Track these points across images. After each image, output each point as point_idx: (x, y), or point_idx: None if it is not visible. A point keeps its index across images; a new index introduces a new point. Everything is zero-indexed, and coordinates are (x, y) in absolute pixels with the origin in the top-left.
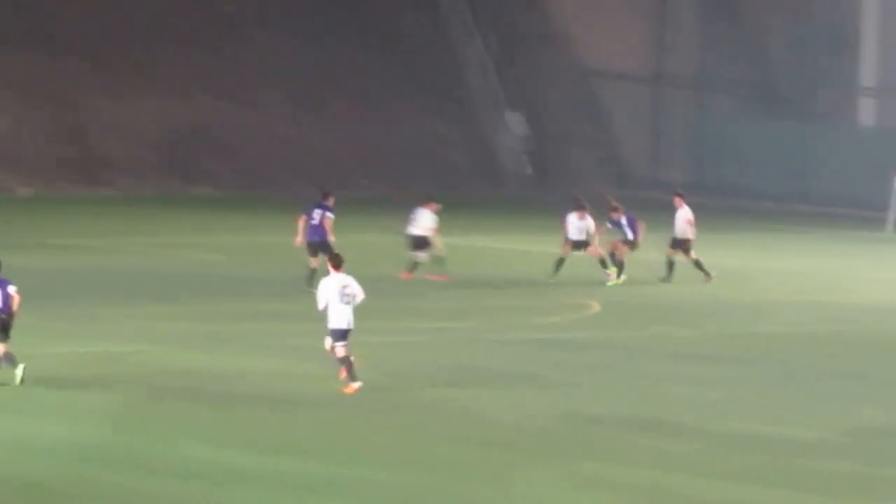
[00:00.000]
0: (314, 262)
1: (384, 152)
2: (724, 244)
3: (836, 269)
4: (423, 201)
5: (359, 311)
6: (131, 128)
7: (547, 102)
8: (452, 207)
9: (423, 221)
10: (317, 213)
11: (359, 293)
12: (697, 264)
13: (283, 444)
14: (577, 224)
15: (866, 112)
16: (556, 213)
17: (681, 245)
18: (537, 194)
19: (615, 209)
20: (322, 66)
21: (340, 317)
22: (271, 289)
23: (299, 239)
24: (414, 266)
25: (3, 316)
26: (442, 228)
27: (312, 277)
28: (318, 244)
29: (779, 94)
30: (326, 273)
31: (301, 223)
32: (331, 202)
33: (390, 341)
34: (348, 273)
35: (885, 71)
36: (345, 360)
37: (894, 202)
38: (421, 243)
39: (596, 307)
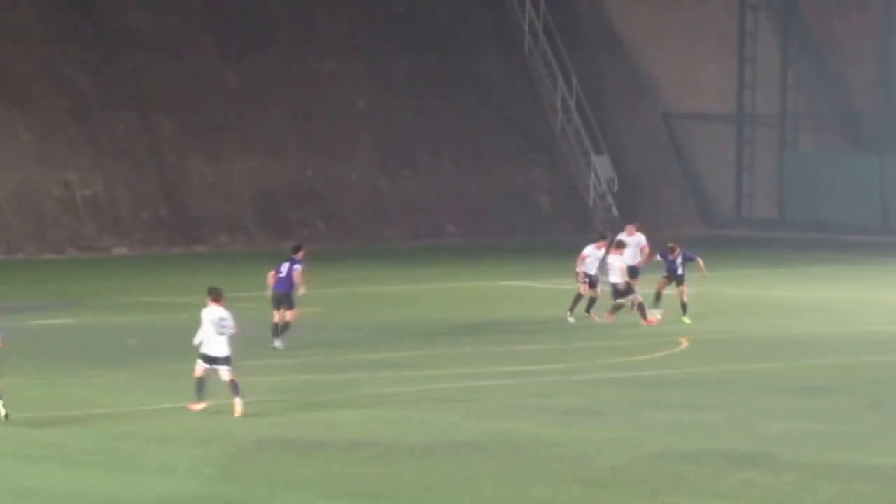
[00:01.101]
0: (276, 316)
1: (473, 200)
2: (809, 277)
3: None
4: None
5: (445, 357)
6: (225, 186)
7: (632, 145)
8: (541, 252)
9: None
10: (284, 267)
11: (232, 327)
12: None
13: (381, 492)
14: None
15: None
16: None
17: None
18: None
19: (671, 249)
20: (411, 117)
21: (214, 345)
22: (366, 338)
23: (272, 294)
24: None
25: None
26: (532, 272)
27: (276, 331)
28: (283, 296)
29: (860, 130)
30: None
31: (270, 279)
32: (300, 256)
33: (481, 385)
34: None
35: None
36: (232, 384)
37: None
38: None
39: (684, 343)
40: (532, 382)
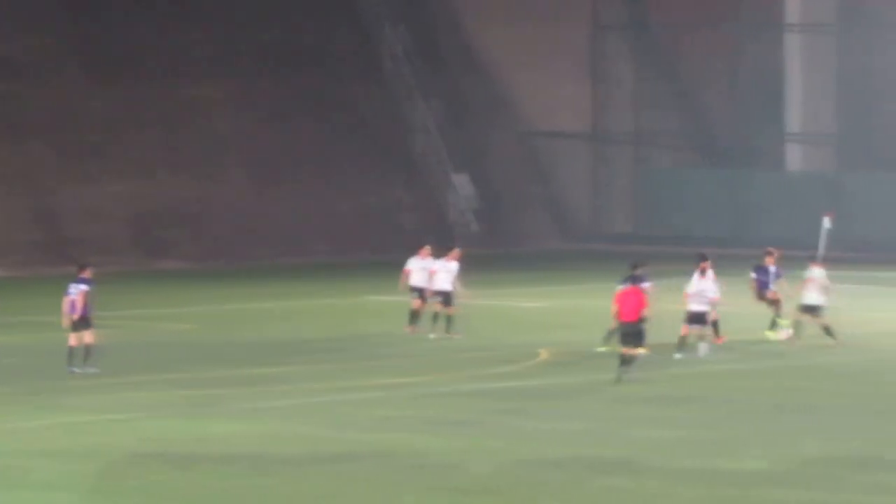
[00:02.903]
0: (74, 340)
1: (339, 219)
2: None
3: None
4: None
5: (316, 372)
6: (98, 209)
7: (491, 163)
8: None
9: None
10: (73, 289)
11: None
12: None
13: None
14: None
15: (793, 157)
16: (503, 269)
17: None
18: (484, 251)
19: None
20: (278, 139)
21: None
22: (238, 354)
23: (65, 321)
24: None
25: None
26: (395, 288)
27: (72, 356)
28: (79, 321)
29: (713, 145)
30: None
31: (65, 306)
32: (87, 275)
33: (351, 398)
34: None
35: (808, 118)
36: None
37: (823, 242)
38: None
39: (544, 355)
40: (400, 395)
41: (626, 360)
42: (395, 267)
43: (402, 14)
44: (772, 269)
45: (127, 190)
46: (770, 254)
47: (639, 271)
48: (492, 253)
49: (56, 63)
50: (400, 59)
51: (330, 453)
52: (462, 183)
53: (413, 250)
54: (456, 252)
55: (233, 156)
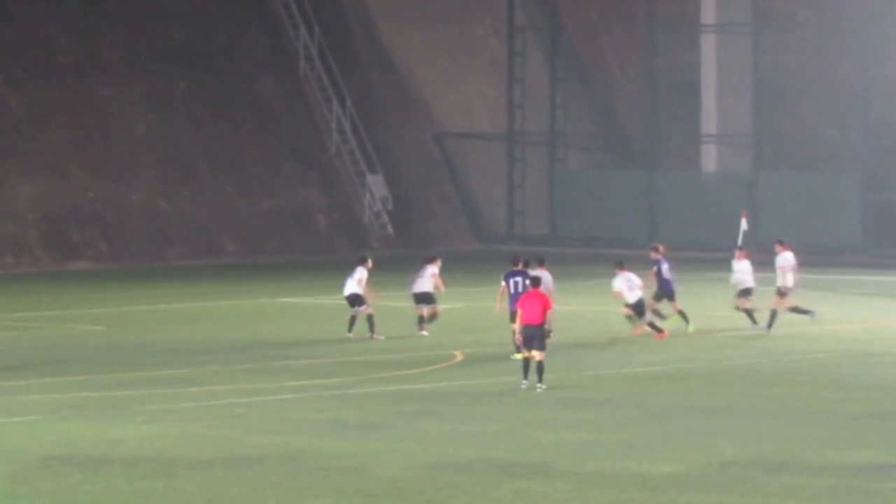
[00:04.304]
0: None
1: (251, 220)
2: (579, 291)
3: (693, 309)
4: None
5: (225, 374)
6: (9, 209)
7: (405, 164)
8: (318, 269)
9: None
10: None
11: None
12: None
13: None
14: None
15: (708, 159)
16: (417, 270)
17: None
18: (399, 253)
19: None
20: (190, 139)
21: None
22: (148, 356)
23: None
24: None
25: None
26: (310, 289)
27: None
28: None
29: (628, 146)
30: None
31: None
32: None
33: (260, 400)
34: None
35: (724, 119)
36: None
37: (740, 242)
38: (425, 298)
39: (459, 357)
40: (310, 397)
41: (528, 364)
42: (308, 269)
43: (314, 15)
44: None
45: (38, 190)
46: (655, 249)
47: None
48: (406, 254)
49: None
50: (313, 59)
51: (240, 456)
52: (376, 184)
53: (327, 252)
54: (368, 262)
55: (145, 156)
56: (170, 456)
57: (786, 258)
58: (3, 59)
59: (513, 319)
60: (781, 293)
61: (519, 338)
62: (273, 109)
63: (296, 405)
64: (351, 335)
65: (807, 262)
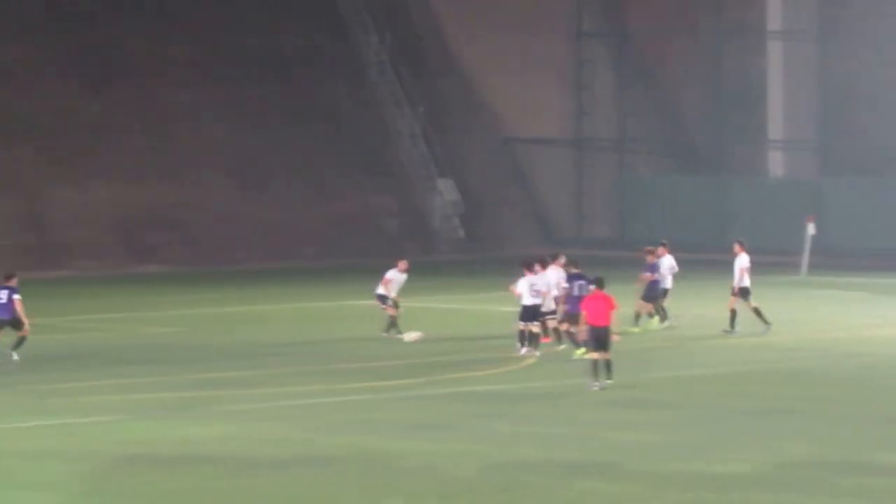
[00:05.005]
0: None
1: (324, 224)
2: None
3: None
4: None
5: (298, 375)
6: (87, 212)
7: (475, 169)
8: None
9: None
10: (3, 293)
11: None
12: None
13: None
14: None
15: (775, 164)
16: (486, 273)
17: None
18: (469, 256)
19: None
20: (264, 144)
21: None
22: (223, 357)
23: None
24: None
25: None
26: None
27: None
28: (8, 322)
29: (694, 152)
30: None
31: None
32: (14, 283)
33: (333, 401)
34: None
35: (790, 125)
36: None
37: (807, 247)
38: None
39: (530, 360)
40: (381, 398)
41: (597, 366)
42: (378, 272)
43: (385, 21)
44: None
45: (113, 194)
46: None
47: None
48: (475, 258)
49: (45, 69)
50: (384, 65)
51: (314, 456)
52: (446, 188)
53: (397, 255)
54: (400, 265)
55: (217, 161)
56: (245, 456)
57: (744, 260)
58: (81, 65)
59: (574, 321)
60: (743, 294)
61: (583, 337)
62: (344, 115)
63: (368, 406)
64: (386, 335)
65: (871, 266)
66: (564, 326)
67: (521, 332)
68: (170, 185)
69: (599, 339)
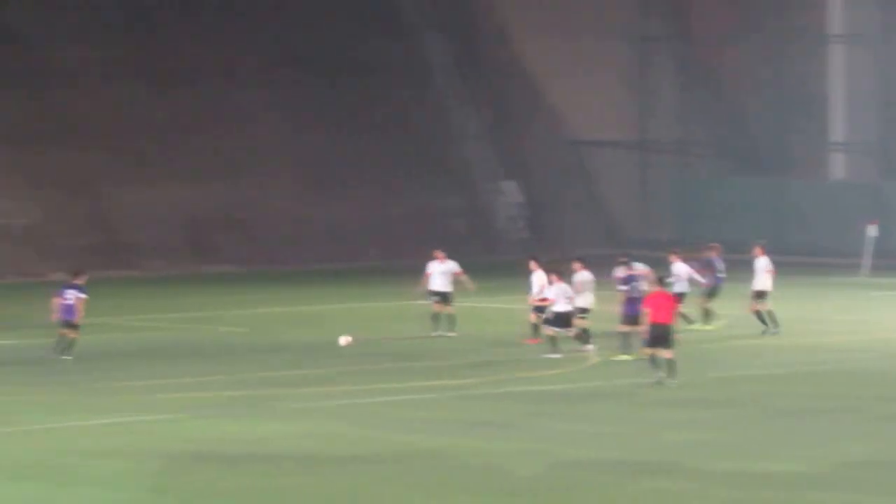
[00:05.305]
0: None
1: (387, 224)
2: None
3: (819, 312)
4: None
5: (363, 374)
6: (154, 213)
7: (540, 170)
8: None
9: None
10: (70, 294)
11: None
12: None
13: None
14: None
15: (835, 167)
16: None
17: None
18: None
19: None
20: (328, 147)
21: None
22: (289, 356)
23: (55, 316)
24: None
25: None
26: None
27: (71, 346)
28: (68, 324)
29: (756, 154)
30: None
31: (55, 304)
32: (82, 281)
33: (397, 400)
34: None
35: (851, 127)
36: None
37: (867, 249)
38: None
39: (595, 359)
40: (446, 397)
41: (656, 363)
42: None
43: (447, 23)
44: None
45: (181, 195)
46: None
47: None
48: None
49: (111, 72)
50: (447, 67)
51: (379, 454)
52: (510, 189)
53: (463, 255)
54: (440, 254)
55: (284, 162)
56: (311, 454)
57: (765, 263)
58: (148, 69)
59: (634, 323)
60: (759, 296)
61: (645, 336)
62: (409, 116)
63: (432, 405)
64: (437, 334)
65: None
66: (624, 328)
67: (553, 338)
68: (236, 185)
69: (661, 337)
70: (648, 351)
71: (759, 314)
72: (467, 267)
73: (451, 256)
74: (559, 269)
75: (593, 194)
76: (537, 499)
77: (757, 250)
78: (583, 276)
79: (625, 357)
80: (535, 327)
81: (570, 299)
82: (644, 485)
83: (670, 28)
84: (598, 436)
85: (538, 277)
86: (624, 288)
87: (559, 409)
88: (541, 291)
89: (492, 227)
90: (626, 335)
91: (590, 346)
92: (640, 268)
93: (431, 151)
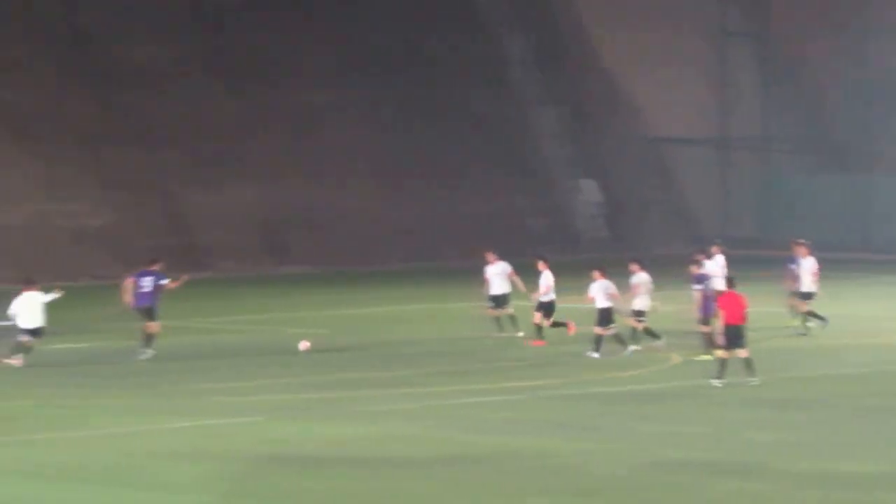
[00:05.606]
0: (153, 328)
1: (464, 224)
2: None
3: None
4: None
5: (441, 375)
6: (227, 214)
7: (619, 168)
8: (529, 272)
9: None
10: (147, 281)
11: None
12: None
13: None
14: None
15: None
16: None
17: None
18: (613, 256)
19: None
20: (403, 145)
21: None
22: (366, 358)
23: (129, 299)
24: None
25: None
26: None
27: (149, 342)
28: (149, 310)
29: (839, 150)
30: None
31: (129, 285)
32: (158, 268)
33: (477, 401)
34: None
35: None
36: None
37: None
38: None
39: (676, 359)
40: (524, 398)
41: (726, 365)
42: (519, 272)
43: (525, 20)
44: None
45: (253, 195)
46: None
47: None
48: (618, 257)
49: (185, 71)
50: (525, 64)
51: (455, 455)
52: (589, 188)
53: (540, 255)
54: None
55: (358, 161)
56: (387, 456)
57: (811, 263)
58: (222, 68)
59: (706, 322)
60: (805, 297)
61: (721, 338)
62: (485, 114)
63: (511, 406)
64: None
65: None
66: (704, 328)
67: (599, 337)
68: (310, 186)
69: (736, 338)
70: (723, 354)
71: (811, 314)
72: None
73: (527, 256)
74: (602, 266)
75: (673, 192)
76: (617, 499)
77: (802, 251)
78: (640, 277)
79: (706, 357)
80: (539, 329)
81: (611, 296)
82: (726, 485)
83: (750, 22)
84: (678, 436)
85: (545, 278)
86: (698, 287)
87: (638, 410)
88: (547, 292)
89: (570, 227)
90: (706, 335)
91: (630, 349)
92: (713, 266)
93: (508, 150)
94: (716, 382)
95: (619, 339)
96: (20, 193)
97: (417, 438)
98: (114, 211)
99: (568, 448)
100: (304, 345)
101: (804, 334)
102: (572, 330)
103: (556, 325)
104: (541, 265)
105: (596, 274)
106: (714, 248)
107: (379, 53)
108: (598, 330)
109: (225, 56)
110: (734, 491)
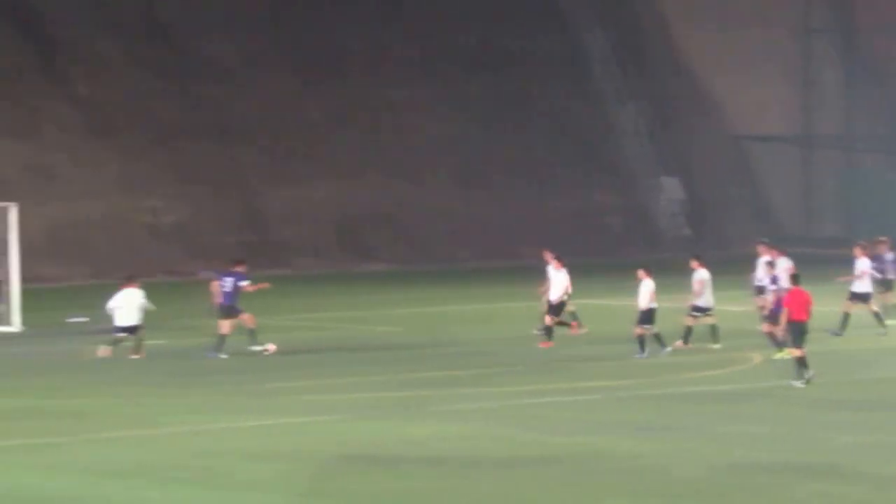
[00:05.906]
0: (225, 328)
1: (545, 221)
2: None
3: None
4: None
5: (520, 374)
6: (305, 211)
7: (701, 166)
8: (611, 271)
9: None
10: (228, 281)
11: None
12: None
13: None
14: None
15: None
16: (714, 273)
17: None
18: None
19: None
20: (483, 141)
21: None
22: (444, 356)
23: (218, 300)
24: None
25: None
26: (602, 291)
27: (222, 343)
28: (228, 309)
29: None
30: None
31: (216, 287)
32: (242, 269)
33: (555, 401)
34: None
35: None
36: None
37: None
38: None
39: (756, 360)
40: (604, 398)
41: (804, 362)
42: (600, 270)
43: (607, 17)
44: (888, 256)
45: (333, 192)
46: (883, 242)
47: None
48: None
49: (263, 67)
50: (607, 62)
51: (535, 456)
52: (671, 186)
53: (620, 254)
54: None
55: (437, 158)
56: (467, 456)
57: (865, 264)
58: (300, 64)
59: (775, 321)
60: (863, 298)
61: (785, 335)
62: (566, 111)
63: (590, 406)
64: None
65: None
66: (767, 328)
67: (641, 337)
68: (389, 183)
69: (801, 334)
70: (797, 352)
71: (877, 314)
72: (626, 266)
73: (606, 254)
74: (647, 266)
75: (756, 191)
76: (698, 501)
77: (857, 251)
78: (701, 274)
79: (781, 356)
80: (549, 330)
81: (653, 296)
82: (810, 487)
83: (835, 19)
84: (760, 437)
85: (561, 277)
86: (773, 287)
87: (720, 410)
88: (564, 292)
89: (652, 225)
90: (770, 334)
91: (667, 349)
92: (783, 265)
93: (590, 147)
94: (797, 383)
95: (659, 340)
96: (97, 189)
97: (495, 438)
98: (190, 207)
99: (647, 449)
100: (271, 347)
101: (837, 335)
102: (575, 330)
103: (560, 323)
104: (556, 264)
105: (641, 273)
106: (880, 244)
107: (459, 50)
108: (638, 330)
109: (304, 52)
110: (817, 493)
